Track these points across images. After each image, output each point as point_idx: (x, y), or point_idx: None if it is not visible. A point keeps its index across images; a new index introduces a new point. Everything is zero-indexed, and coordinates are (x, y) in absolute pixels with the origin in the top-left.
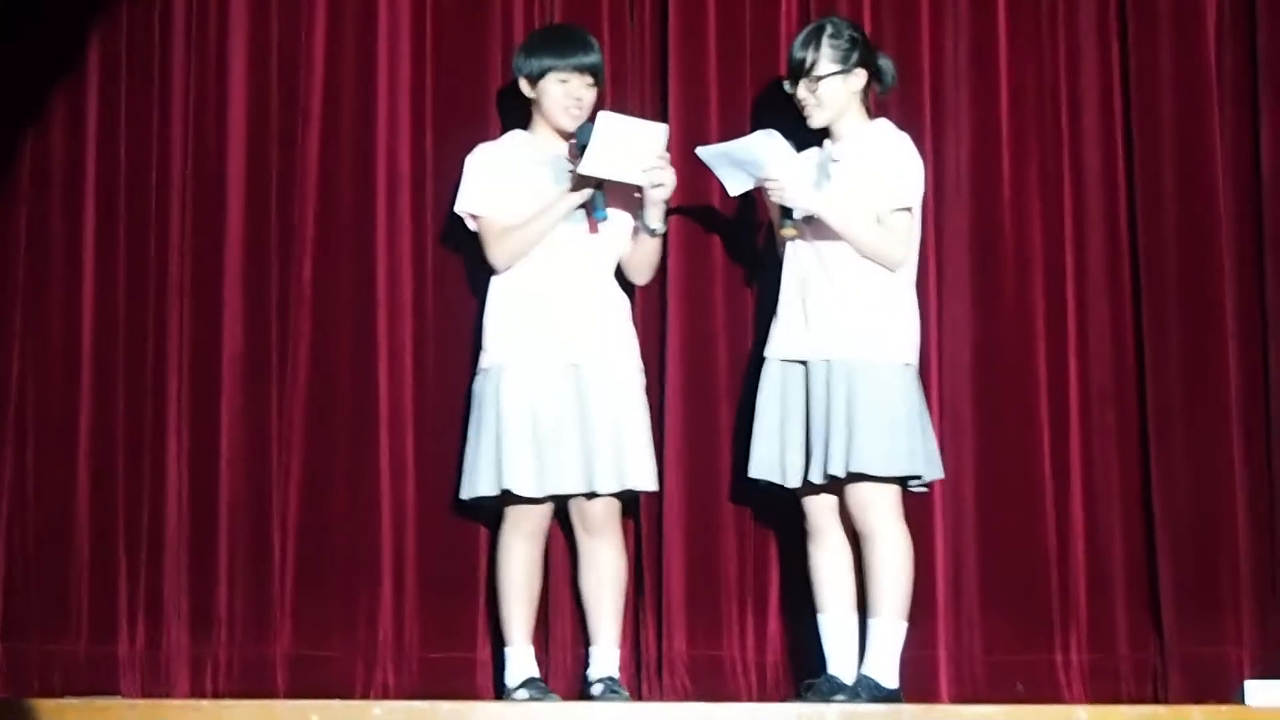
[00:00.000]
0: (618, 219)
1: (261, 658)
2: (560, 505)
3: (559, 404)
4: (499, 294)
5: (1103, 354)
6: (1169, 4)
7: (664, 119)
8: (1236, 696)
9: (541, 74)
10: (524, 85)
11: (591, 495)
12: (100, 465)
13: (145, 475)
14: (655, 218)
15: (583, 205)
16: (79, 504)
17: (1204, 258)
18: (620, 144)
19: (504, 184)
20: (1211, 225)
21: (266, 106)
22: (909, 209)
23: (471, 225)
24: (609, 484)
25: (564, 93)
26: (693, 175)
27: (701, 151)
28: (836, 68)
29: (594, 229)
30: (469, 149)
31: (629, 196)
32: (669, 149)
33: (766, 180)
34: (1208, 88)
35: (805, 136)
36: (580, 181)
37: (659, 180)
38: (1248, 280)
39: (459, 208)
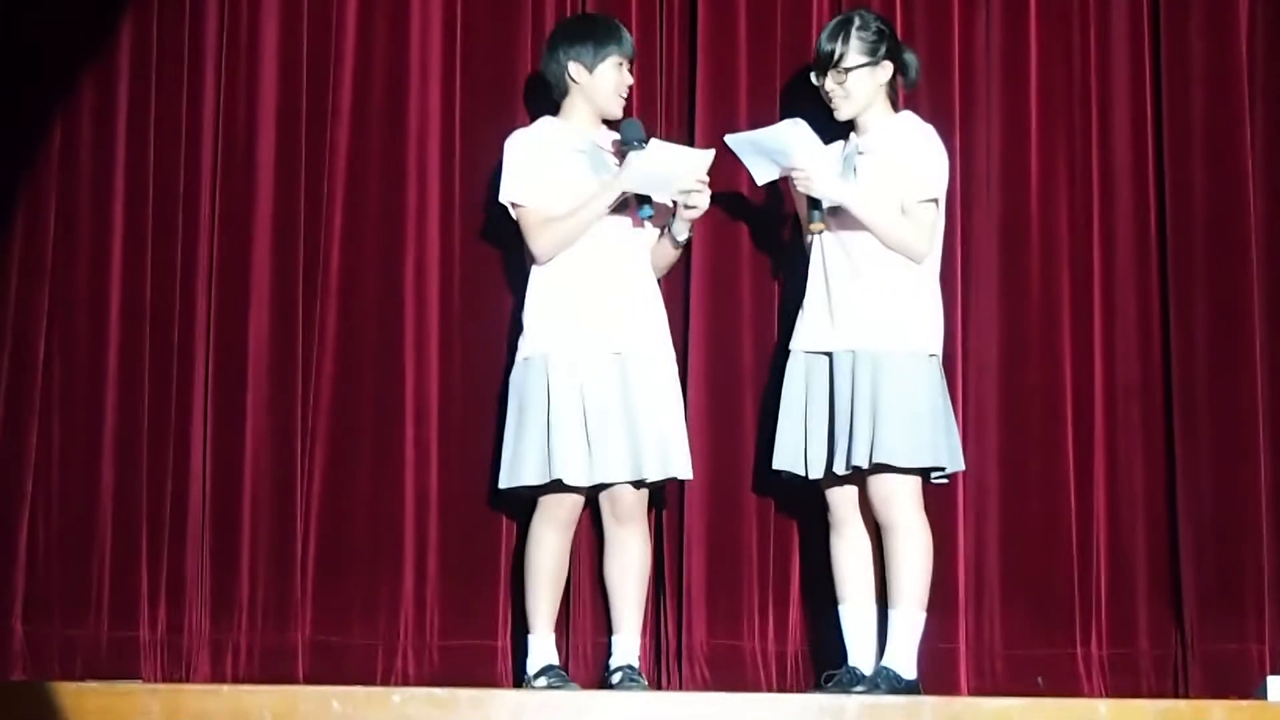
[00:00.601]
0: (656, 216)
1: (282, 644)
2: (590, 494)
3: (605, 393)
4: (540, 283)
5: (1129, 349)
6: None
7: (691, 107)
8: (1258, 692)
9: (603, 59)
10: (576, 70)
11: (638, 484)
12: (125, 450)
13: (169, 460)
14: (682, 230)
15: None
16: (103, 489)
17: (1232, 254)
18: (664, 167)
19: (544, 173)
20: (1241, 222)
21: (297, 95)
22: (934, 200)
23: (513, 214)
24: (655, 472)
25: (620, 78)
26: (720, 166)
27: (730, 139)
28: (864, 60)
29: (638, 223)
30: (499, 140)
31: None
32: (710, 172)
33: (793, 170)
34: (1239, 83)
35: (832, 128)
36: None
37: (694, 203)
38: (1276, 277)
39: (503, 197)
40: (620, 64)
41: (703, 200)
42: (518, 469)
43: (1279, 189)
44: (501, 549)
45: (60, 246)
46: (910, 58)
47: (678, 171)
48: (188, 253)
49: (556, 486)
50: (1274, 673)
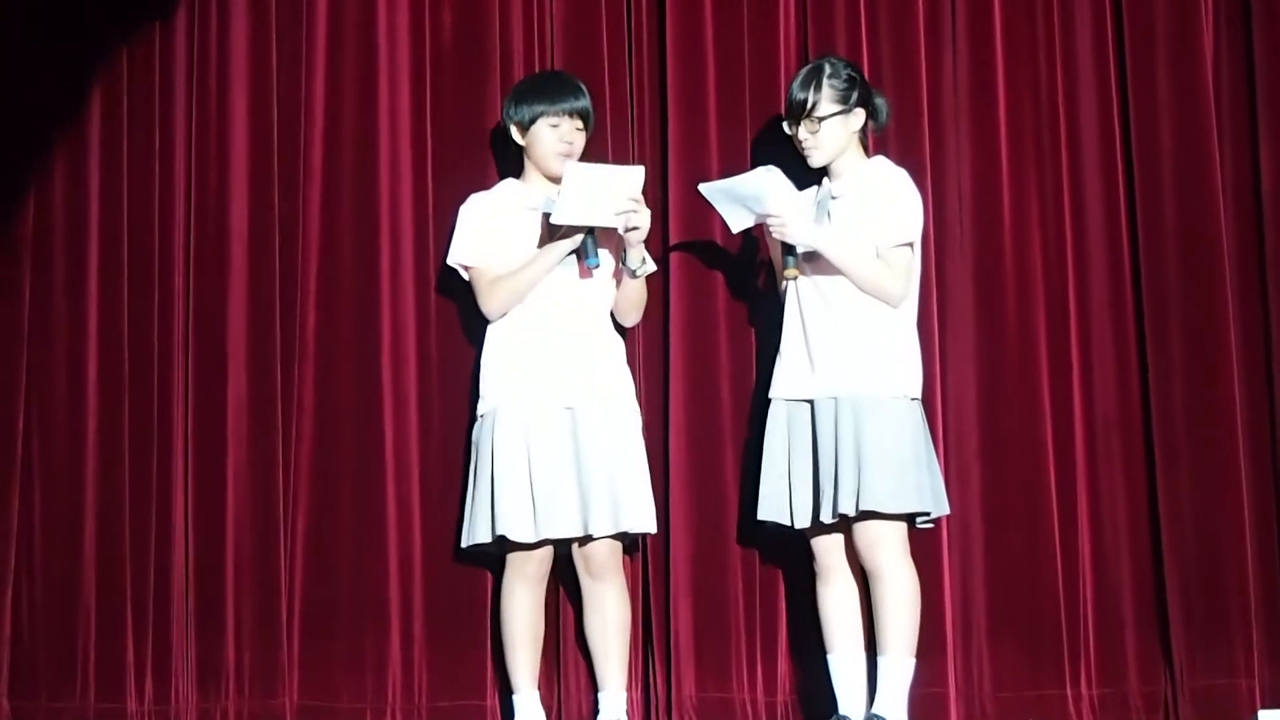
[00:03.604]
0: (605, 262)
1: (270, 710)
2: (564, 549)
3: (554, 447)
4: (494, 340)
5: (1107, 383)
6: (1166, 27)
7: (664, 159)
8: None
9: (533, 120)
10: (515, 133)
11: (588, 539)
12: (106, 519)
13: (152, 529)
14: (635, 259)
15: (574, 251)
16: (85, 559)
17: (1206, 282)
18: (593, 190)
19: (496, 234)
20: (1213, 249)
21: (268, 159)
22: (909, 244)
23: (465, 275)
24: (605, 527)
25: (556, 137)
26: (694, 216)
27: (704, 188)
28: (838, 108)
29: (586, 274)
30: (471, 195)
31: (614, 239)
32: (645, 190)
33: (768, 217)
34: (1206, 110)
35: (805, 174)
36: (559, 230)
37: (634, 223)
38: (1251, 303)
39: (451, 259)
40: (555, 125)
41: (643, 220)
42: (473, 528)
43: (1249, 216)
44: (487, 607)
45: (35, 316)
46: (880, 102)
47: (610, 192)
48: (164, 319)
49: (516, 544)
50: (1264, 707)
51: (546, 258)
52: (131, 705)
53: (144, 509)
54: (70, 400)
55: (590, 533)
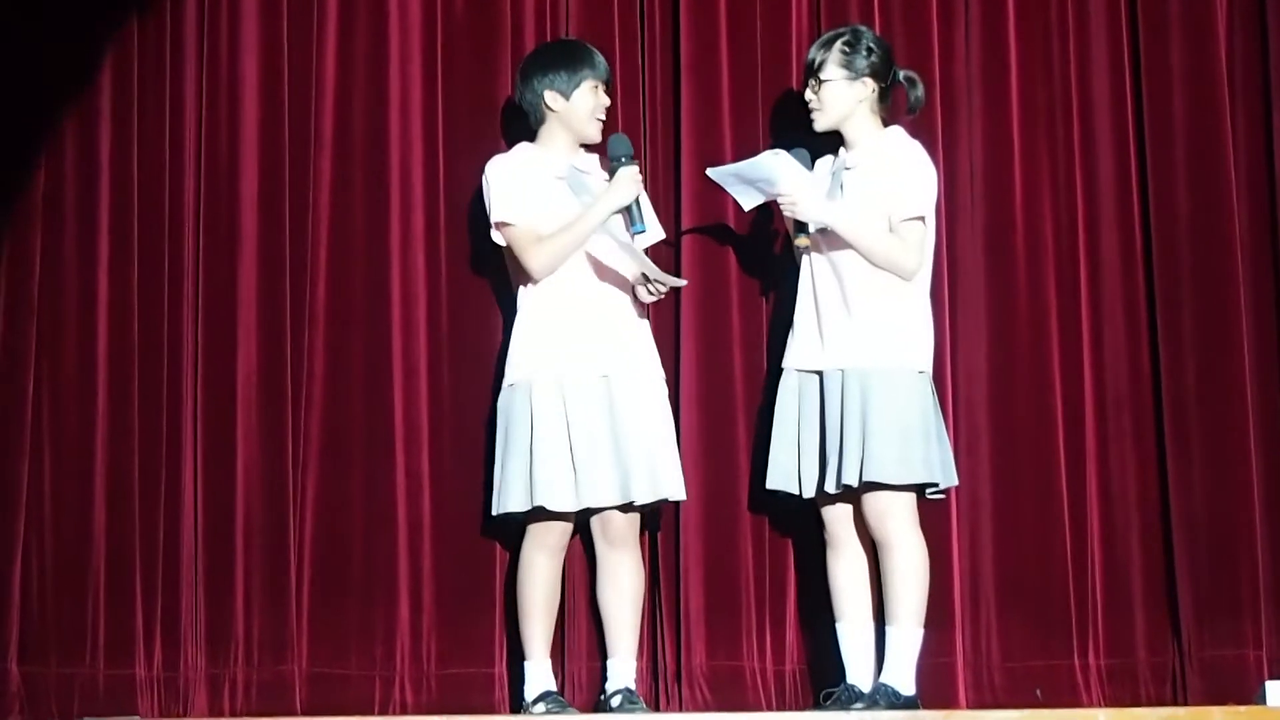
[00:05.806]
0: (653, 230)
1: (279, 677)
2: (581, 519)
3: (592, 417)
4: (528, 309)
5: (1118, 358)
6: (1179, 7)
7: (677, 135)
8: (1257, 698)
9: (578, 84)
10: (551, 98)
11: (628, 508)
12: (116, 487)
13: (161, 496)
14: (645, 296)
15: (622, 211)
16: (95, 526)
17: (1218, 261)
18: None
19: (531, 194)
20: (1225, 228)
21: (279, 126)
22: (921, 218)
23: (499, 238)
24: (645, 494)
25: (596, 102)
26: (706, 188)
27: (712, 172)
28: (840, 74)
29: (630, 239)
30: (481, 165)
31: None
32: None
33: (779, 196)
34: (1219, 90)
35: (823, 143)
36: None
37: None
38: (1262, 282)
39: (496, 217)
40: (596, 87)
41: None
42: (505, 495)
43: (1262, 193)
44: (496, 575)
45: (46, 284)
46: (909, 81)
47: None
48: (174, 286)
49: (544, 513)
50: (1272, 677)
51: (595, 212)
52: (141, 672)
53: (154, 476)
54: (80, 368)
55: (632, 499)
